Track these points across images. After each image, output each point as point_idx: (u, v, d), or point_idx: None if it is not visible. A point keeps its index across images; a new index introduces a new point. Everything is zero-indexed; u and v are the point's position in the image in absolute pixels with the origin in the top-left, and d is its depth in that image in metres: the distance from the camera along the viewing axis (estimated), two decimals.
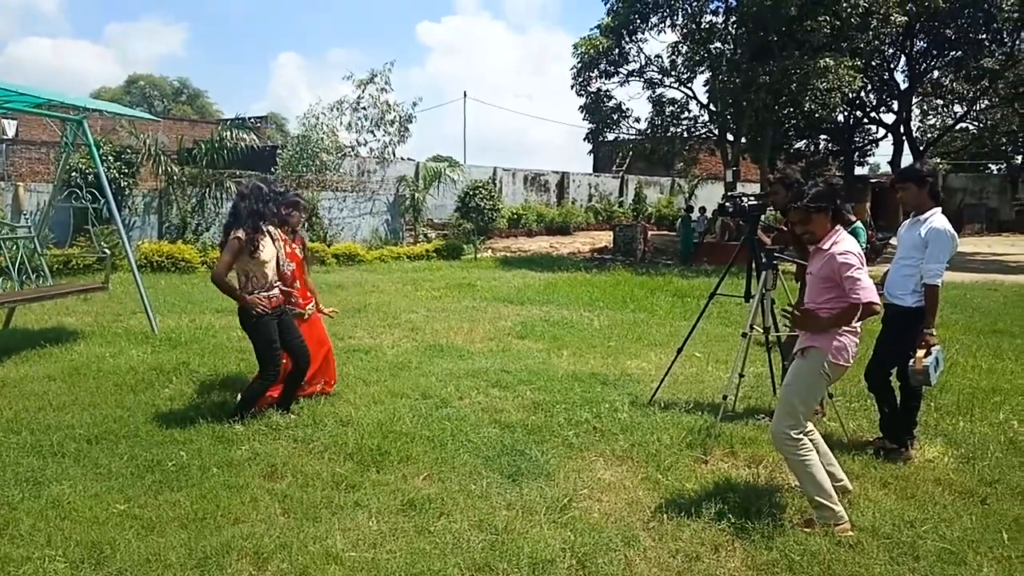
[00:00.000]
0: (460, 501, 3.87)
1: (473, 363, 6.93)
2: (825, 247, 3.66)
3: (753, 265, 5.37)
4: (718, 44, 20.04)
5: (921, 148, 28.56)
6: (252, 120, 36.01)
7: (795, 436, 3.62)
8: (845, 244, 3.61)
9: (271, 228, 5.04)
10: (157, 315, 8.81)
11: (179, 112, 56.70)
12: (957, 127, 31.31)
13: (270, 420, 4.99)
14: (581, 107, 20.63)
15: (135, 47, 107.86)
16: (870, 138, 30.42)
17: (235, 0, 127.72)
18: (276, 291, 5.00)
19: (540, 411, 5.45)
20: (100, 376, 6.01)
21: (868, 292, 3.46)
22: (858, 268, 3.51)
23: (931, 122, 33.16)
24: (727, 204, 5.60)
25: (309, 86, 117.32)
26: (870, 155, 33.05)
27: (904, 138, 27.32)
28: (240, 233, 4.73)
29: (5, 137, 26.73)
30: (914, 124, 29.86)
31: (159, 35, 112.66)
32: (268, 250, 4.93)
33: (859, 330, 3.71)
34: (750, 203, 5.47)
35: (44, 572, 3.07)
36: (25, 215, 12.70)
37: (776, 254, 5.24)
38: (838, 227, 3.73)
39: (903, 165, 22.04)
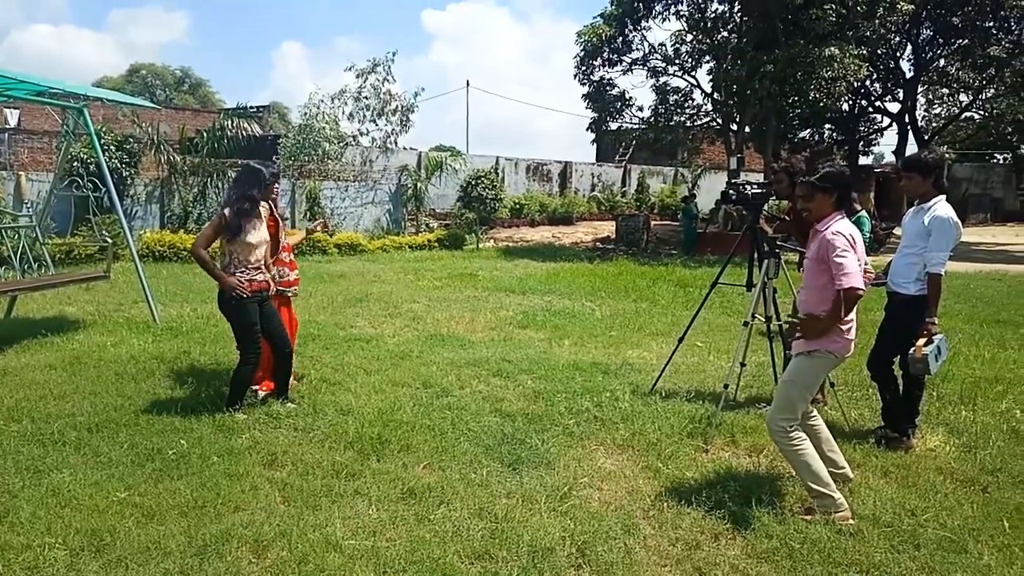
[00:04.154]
0: (460, 490, 3.86)
1: (474, 352, 6.92)
2: (821, 228, 3.66)
3: (755, 254, 5.35)
4: (723, 33, 19.90)
5: (926, 137, 28.37)
6: (254, 109, 35.97)
7: (789, 428, 3.63)
8: (838, 226, 3.60)
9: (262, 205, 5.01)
10: (159, 304, 8.81)
11: (181, 101, 56.57)
12: (963, 116, 31.10)
13: (270, 409, 4.99)
14: (584, 95, 20.55)
15: (137, 35, 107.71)
16: (875, 127, 30.26)
17: None
18: (262, 276, 4.96)
19: (541, 400, 5.45)
20: (101, 365, 6.01)
21: (851, 278, 3.45)
22: (844, 250, 3.50)
23: (936, 111, 32.89)
24: (731, 192, 5.56)
25: (312, 75, 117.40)
26: (875, 144, 32.87)
27: (909, 127, 27.17)
28: (226, 211, 4.74)
29: (8, 126, 26.70)
30: (919, 113, 29.68)
31: (161, 22, 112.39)
32: (257, 233, 4.89)
33: (854, 322, 3.70)
34: (753, 191, 5.44)
35: (44, 560, 3.07)
36: (27, 204, 12.70)
37: (779, 243, 5.22)
38: (840, 213, 3.71)
39: (907, 154, 21.95)
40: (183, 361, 6.20)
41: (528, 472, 4.13)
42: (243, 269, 4.85)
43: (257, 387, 5.37)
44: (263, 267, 5.00)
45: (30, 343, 6.70)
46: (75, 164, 13.38)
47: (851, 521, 3.53)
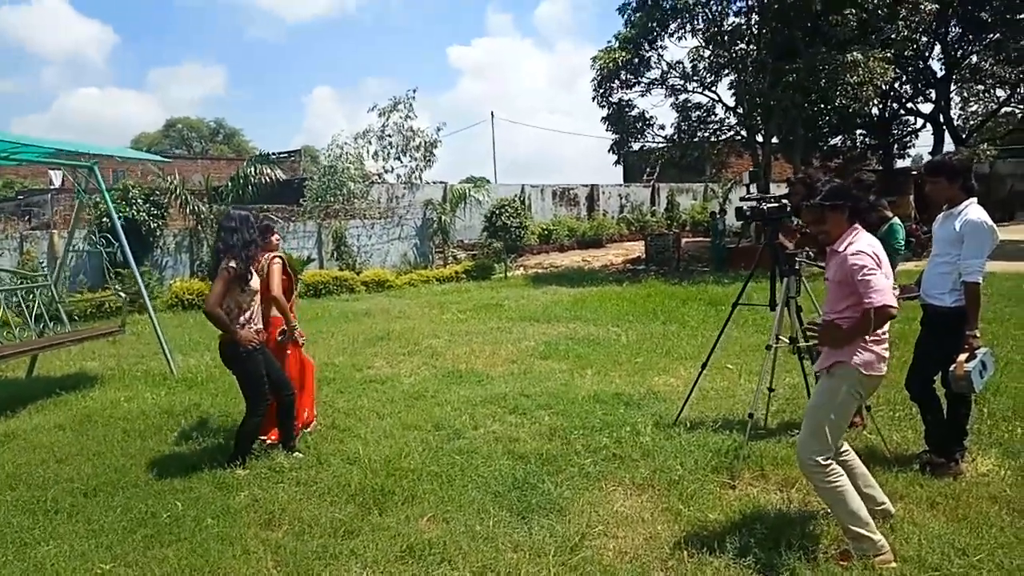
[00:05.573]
0: (464, 544, 3.60)
1: (492, 388, 6.67)
2: (840, 248, 3.34)
3: (776, 271, 5.03)
4: (742, 45, 19.57)
5: (963, 136, 27.47)
6: (285, 155, 36.71)
7: (823, 461, 3.27)
8: (859, 243, 3.28)
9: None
10: (181, 353, 8.80)
11: (216, 151, 58.13)
12: (1001, 112, 30.07)
13: (274, 462, 4.80)
14: (603, 118, 20.33)
15: (176, 91, 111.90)
16: (909, 129, 29.41)
17: (270, 40, 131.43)
18: (259, 323, 4.84)
19: (557, 438, 5.16)
20: (110, 423, 5.92)
21: (881, 295, 3.12)
22: (871, 269, 3.17)
23: (973, 108, 31.90)
24: (746, 209, 5.27)
25: (344, 117, 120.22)
26: (910, 147, 31.83)
27: (944, 127, 26.35)
28: (233, 263, 4.58)
29: (52, 187, 27.65)
30: (954, 112, 28.78)
31: (199, 78, 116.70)
32: (256, 280, 4.78)
33: (887, 336, 3.35)
34: (769, 206, 5.14)
35: None
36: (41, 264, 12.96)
37: (798, 259, 4.89)
38: (856, 226, 3.41)
39: (931, 158, 21.15)
40: (192, 415, 6.07)
41: (538, 521, 3.84)
42: (246, 319, 4.72)
43: (264, 436, 5.22)
44: (260, 313, 4.89)
45: (45, 403, 6.65)
46: (104, 220, 13.62)
47: (893, 564, 3.17)
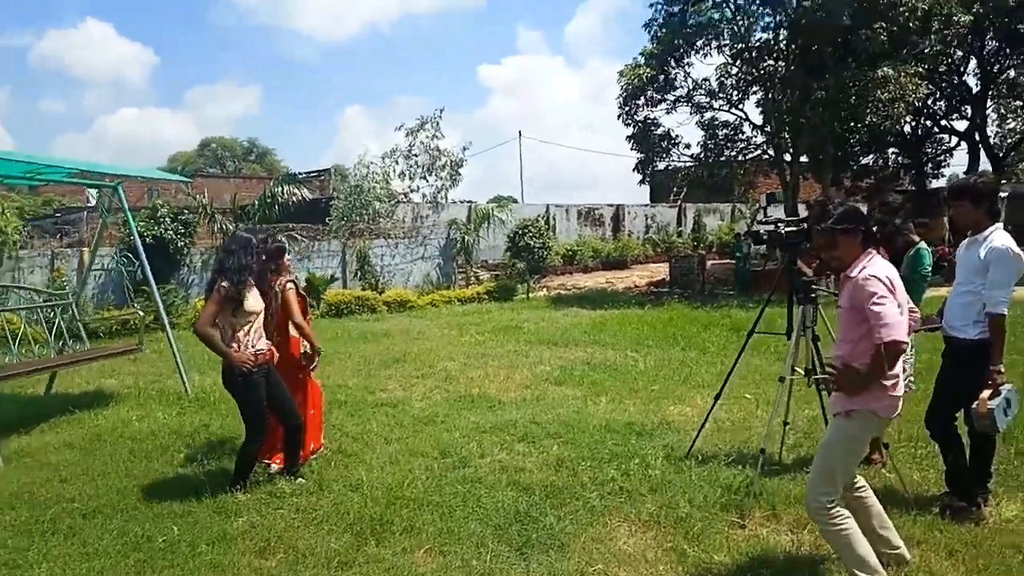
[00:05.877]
0: None
1: (503, 415, 6.56)
2: (852, 273, 3.21)
3: (795, 298, 4.86)
4: (770, 62, 19.34)
5: (1000, 155, 26.77)
6: (315, 174, 37.16)
7: (829, 504, 3.12)
8: (873, 268, 3.15)
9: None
10: (199, 372, 8.83)
11: (249, 170, 59.14)
12: None
13: (275, 487, 4.75)
14: (628, 137, 20.20)
15: (212, 110, 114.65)
16: (943, 148, 28.79)
17: (304, 60, 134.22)
18: (264, 345, 4.78)
19: (563, 469, 5.03)
20: (119, 443, 5.93)
21: (891, 329, 2.97)
22: (880, 297, 3.04)
23: (1011, 126, 31.12)
24: (762, 232, 5.11)
25: (375, 136, 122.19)
26: (944, 166, 31.10)
27: (980, 145, 25.73)
28: (224, 283, 4.55)
29: (89, 205, 28.35)
30: (991, 129, 28.07)
31: (234, 97, 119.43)
32: (256, 301, 4.73)
33: (899, 375, 3.20)
34: (787, 230, 4.97)
35: None
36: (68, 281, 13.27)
37: (815, 287, 4.72)
38: (871, 251, 3.27)
39: (955, 180, 20.55)
40: (200, 435, 6.06)
41: (537, 557, 3.72)
42: (245, 340, 4.68)
43: (268, 461, 5.18)
44: (263, 335, 4.83)
45: (58, 420, 6.71)
46: (131, 238, 13.83)
47: None
